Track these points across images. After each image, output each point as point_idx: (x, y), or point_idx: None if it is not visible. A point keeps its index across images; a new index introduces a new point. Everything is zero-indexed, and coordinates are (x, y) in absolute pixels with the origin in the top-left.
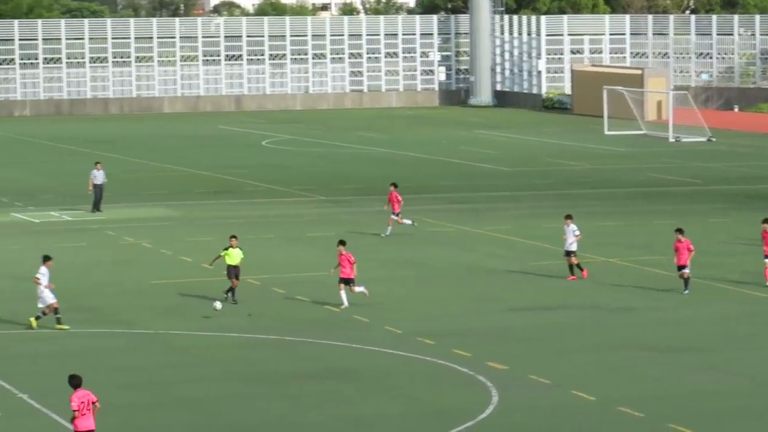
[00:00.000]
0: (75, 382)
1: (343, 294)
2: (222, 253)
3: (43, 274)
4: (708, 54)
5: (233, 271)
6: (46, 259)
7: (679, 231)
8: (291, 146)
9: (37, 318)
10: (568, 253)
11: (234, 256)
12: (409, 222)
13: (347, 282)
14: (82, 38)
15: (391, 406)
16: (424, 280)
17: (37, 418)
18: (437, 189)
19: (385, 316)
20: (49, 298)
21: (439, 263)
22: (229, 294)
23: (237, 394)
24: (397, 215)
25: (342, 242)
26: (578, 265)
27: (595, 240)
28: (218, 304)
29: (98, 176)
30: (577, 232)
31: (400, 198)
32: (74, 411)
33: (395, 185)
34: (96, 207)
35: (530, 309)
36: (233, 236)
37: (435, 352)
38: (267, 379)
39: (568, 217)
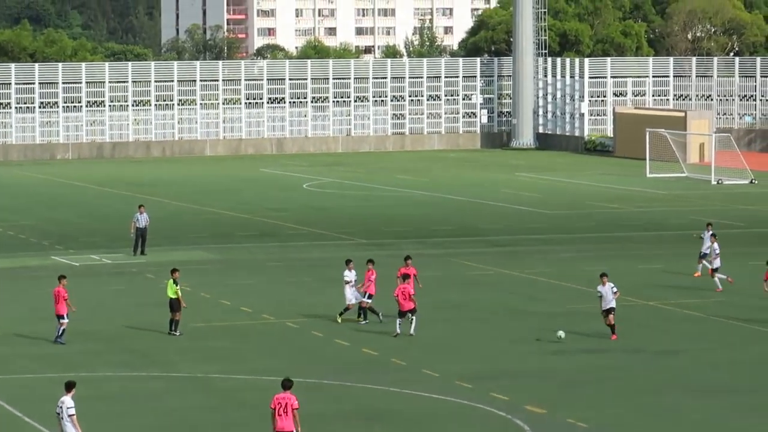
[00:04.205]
0: (284, 383)
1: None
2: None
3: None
4: (752, 96)
5: (174, 304)
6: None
7: None
8: (332, 189)
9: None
10: (608, 311)
11: (172, 289)
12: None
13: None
14: (126, 81)
15: None
16: (464, 323)
17: None
18: (478, 232)
19: (423, 359)
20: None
21: (479, 305)
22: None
23: None
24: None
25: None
26: (612, 326)
27: (637, 283)
28: (561, 333)
29: (141, 219)
30: (615, 290)
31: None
32: (271, 408)
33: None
34: (137, 250)
35: (570, 352)
36: (175, 270)
37: (472, 396)
38: (306, 422)
39: (604, 275)
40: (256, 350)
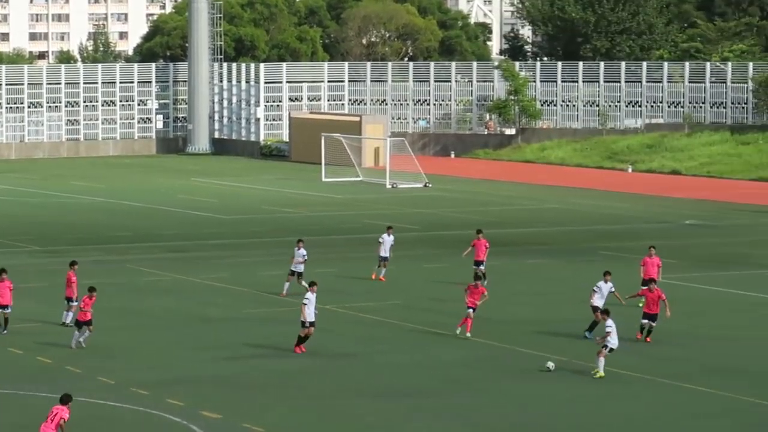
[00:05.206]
0: (62, 398)
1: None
2: None
3: None
4: (426, 101)
5: None
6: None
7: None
8: (5, 196)
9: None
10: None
11: None
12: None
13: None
14: None
15: None
16: (140, 330)
17: None
18: (153, 238)
19: (99, 366)
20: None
21: (155, 312)
22: None
23: None
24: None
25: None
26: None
27: None
28: (551, 365)
29: None
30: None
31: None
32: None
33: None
34: None
35: (246, 357)
36: None
37: (149, 403)
38: None
39: (314, 284)
40: None
